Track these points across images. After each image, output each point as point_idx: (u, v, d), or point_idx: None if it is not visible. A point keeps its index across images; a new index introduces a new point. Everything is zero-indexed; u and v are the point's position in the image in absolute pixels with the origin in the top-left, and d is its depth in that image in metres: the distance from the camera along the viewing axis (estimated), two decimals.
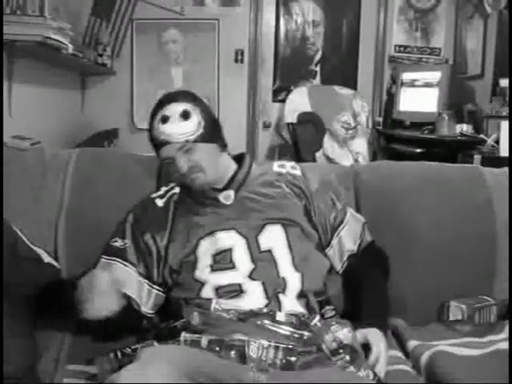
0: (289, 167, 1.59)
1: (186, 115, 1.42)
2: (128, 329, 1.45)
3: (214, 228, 1.44)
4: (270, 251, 1.43)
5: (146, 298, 1.46)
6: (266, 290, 1.38)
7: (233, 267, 1.41)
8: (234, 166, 1.54)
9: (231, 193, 1.49)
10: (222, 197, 1.48)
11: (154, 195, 1.56)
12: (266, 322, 1.28)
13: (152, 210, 1.52)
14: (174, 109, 1.42)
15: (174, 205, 1.52)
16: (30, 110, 2.91)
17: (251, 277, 1.39)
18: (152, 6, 4.12)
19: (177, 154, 1.41)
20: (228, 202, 1.48)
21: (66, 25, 2.70)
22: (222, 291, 1.38)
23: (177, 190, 1.55)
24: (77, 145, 3.33)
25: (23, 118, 2.73)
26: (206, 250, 1.43)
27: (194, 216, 1.48)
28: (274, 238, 1.45)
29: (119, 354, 1.31)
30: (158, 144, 1.44)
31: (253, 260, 1.41)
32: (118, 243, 1.49)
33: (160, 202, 1.53)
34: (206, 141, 1.44)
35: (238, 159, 1.56)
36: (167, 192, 1.55)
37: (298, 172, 1.58)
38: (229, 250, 1.42)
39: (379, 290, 1.51)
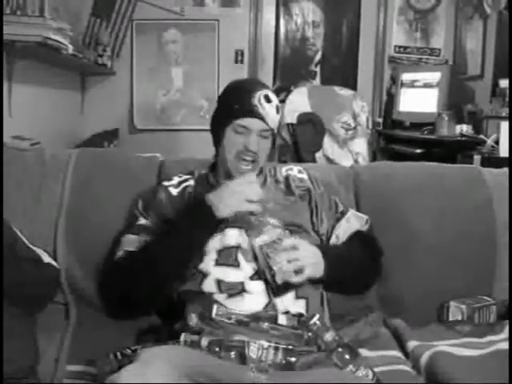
0: (296, 171, 1.61)
1: (277, 109, 1.51)
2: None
3: (225, 224, 1.44)
4: None
5: None
6: (267, 290, 1.38)
7: (237, 265, 1.41)
8: None
9: None
10: None
11: (167, 183, 1.56)
12: (267, 325, 1.28)
13: (167, 197, 1.51)
14: (274, 97, 1.51)
15: (188, 197, 1.51)
16: (29, 111, 2.91)
17: (253, 277, 1.39)
18: (152, 6, 4.12)
19: (255, 132, 1.45)
20: None
21: (65, 25, 2.69)
22: (224, 287, 1.38)
23: (191, 182, 1.55)
24: (77, 145, 3.33)
25: (23, 118, 2.73)
26: (213, 245, 1.43)
27: None
28: None
29: (119, 354, 1.31)
30: (248, 111, 1.45)
31: (256, 261, 1.41)
32: (143, 221, 1.49)
33: (174, 192, 1.53)
34: (273, 140, 1.51)
35: None
36: (181, 183, 1.55)
37: (304, 176, 1.60)
38: (235, 248, 1.42)
39: (351, 252, 1.50)
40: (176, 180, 1.57)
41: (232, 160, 1.47)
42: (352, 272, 1.50)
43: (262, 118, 1.46)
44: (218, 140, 1.51)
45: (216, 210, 1.38)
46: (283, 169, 1.62)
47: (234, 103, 1.47)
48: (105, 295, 1.54)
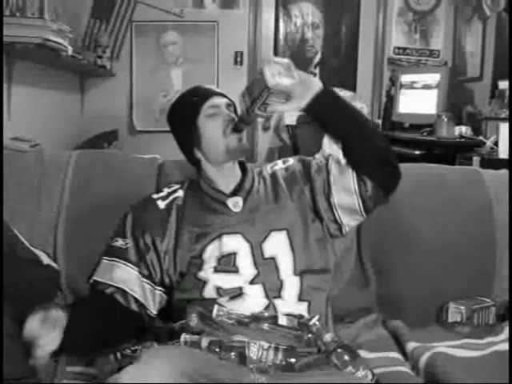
0: (280, 163, 1.58)
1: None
2: (128, 332, 1.44)
3: (221, 232, 1.43)
4: (273, 259, 1.42)
5: (151, 299, 1.45)
6: (266, 292, 1.38)
7: (236, 271, 1.40)
8: (238, 172, 1.52)
9: (240, 200, 1.47)
10: (230, 203, 1.46)
11: (156, 196, 1.53)
12: (267, 325, 1.28)
13: (153, 211, 1.49)
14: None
15: (176, 209, 1.49)
16: (29, 112, 2.91)
17: (253, 282, 1.39)
18: (151, 8, 4.13)
19: (224, 107, 1.48)
20: (236, 210, 1.46)
21: (65, 27, 2.69)
22: (224, 293, 1.38)
23: (180, 193, 1.53)
24: (76, 146, 3.33)
25: (23, 119, 2.73)
26: (211, 253, 1.42)
27: (202, 222, 1.46)
28: (278, 245, 1.43)
29: (119, 355, 1.32)
30: (210, 93, 1.50)
31: (256, 266, 1.41)
32: (119, 243, 1.47)
33: (162, 204, 1.50)
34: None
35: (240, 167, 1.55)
36: (170, 194, 1.53)
37: (290, 162, 1.57)
38: (233, 254, 1.41)
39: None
40: (165, 191, 1.55)
41: (223, 139, 1.44)
42: (356, 118, 1.53)
43: (221, 94, 1.51)
44: (193, 156, 1.51)
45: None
46: (268, 167, 1.58)
47: (193, 96, 1.51)
48: None
